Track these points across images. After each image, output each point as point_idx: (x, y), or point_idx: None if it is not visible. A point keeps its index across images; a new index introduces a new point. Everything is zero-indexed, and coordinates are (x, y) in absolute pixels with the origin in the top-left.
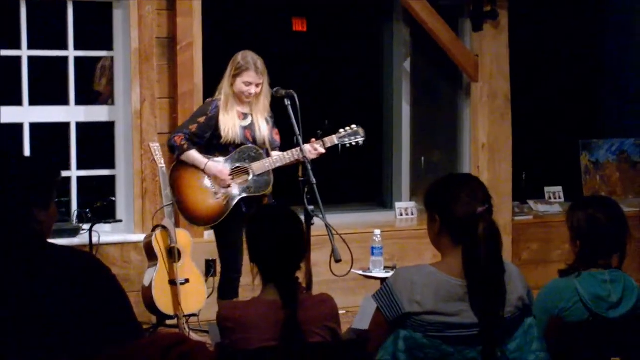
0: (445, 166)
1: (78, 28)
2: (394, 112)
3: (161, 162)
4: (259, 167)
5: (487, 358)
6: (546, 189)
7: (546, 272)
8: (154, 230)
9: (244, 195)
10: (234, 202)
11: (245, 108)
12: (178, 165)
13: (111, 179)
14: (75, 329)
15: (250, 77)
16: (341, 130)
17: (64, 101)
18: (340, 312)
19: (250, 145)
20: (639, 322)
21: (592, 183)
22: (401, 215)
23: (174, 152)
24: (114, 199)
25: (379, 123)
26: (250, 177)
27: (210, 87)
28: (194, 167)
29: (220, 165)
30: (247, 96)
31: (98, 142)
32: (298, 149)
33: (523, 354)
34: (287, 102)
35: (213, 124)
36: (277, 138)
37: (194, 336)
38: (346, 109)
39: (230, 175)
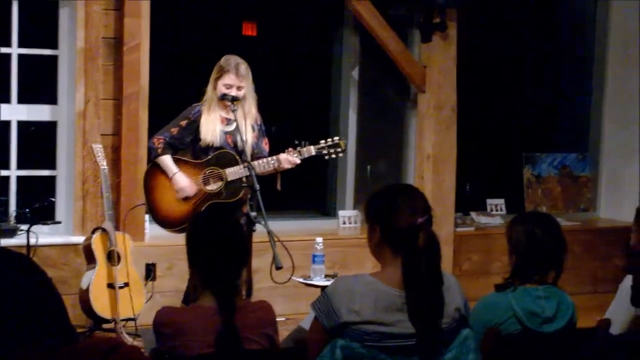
0: (390, 175)
1: (22, 25)
2: (340, 120)
3: (103, 164)
4: (232, 173)
5: None
6: (488, 201)
7: (486, 284)
8: (93, 232)
9: (214, 200)
10: (203, 207)
11: (230, 114)
12: (153, 167)
13: (52, 180)
14: (5, 331)
15: (231, 79)
16: (322, 142)
17: (6, 99)
18: (280, 319)
19: (228, 150)
20: (573, 337)
21: (534, 196)
22: (344, 223)
23: (150, 155)
24: (53, 199)
25: (326, 130)
26: (223, 183)
27: (156, 89)
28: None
29: (185, 181)
30: (220, 99)
31: (39, 141)
32: (274, 158)
33: None
34: (232, 107)
35: (194, 128)
36: (265, 147)
37: (131, 341)
38: (294, 115)
39: (202, 180)
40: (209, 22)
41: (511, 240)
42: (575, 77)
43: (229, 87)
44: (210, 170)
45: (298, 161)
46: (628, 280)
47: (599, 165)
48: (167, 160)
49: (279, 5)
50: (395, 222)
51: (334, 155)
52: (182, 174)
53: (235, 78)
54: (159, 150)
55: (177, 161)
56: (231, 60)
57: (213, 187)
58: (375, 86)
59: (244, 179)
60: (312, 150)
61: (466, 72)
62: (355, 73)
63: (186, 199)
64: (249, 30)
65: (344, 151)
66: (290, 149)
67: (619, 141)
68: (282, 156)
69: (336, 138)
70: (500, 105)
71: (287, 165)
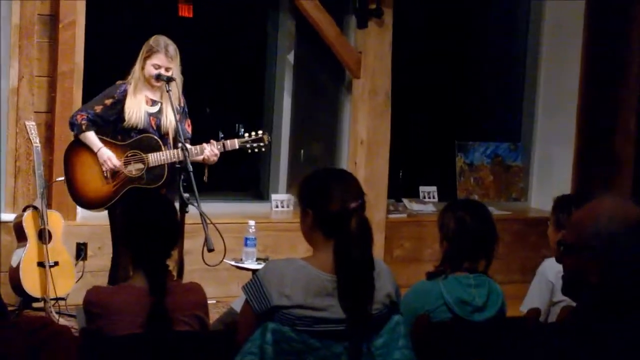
0: (324, 160)
1: None
2: (275, 104)
3: (36, 142)
4: (155, 159)
5: (353, 353)
6: (421, 188)
7: (418, 270)
8: (24, 210)
9: (135, 185)
10: (123, 190)
11: (156, 95)
12: (74, 144)
13: None
14: None
15: (160, 59)
16: (246, 135)
17: None
18: (211, 301)
19: (151, 135)
20: (503, 325)
21: (466, 185)
22: (277, 207)
23: (72, 130)
24: None
25: (260, 113)
26: (145, 167)
27: (91, 67)
28: (90, 148)
29: (110, 154)
30: (152, 75)
31: None
32: (197, 147)
33: (389, 350)
34: (167, 87)
35: (119, 108)
36: (188, 129)
37: (61, 320)
38: (228, 98)
39: (123, 161)
40: (145, 3)
41: (442, 228)
42: (509, 65)
43: (158, 67)
44: (133, 154)
45: (218, 154)
46: (545, 267)
47: (530, 155)
48: (91, 137)
49: None
50: (328, 206)
51: (256, 150)
52: (106, 148)
53: (164, 59)
54: (83, 127)
55: (100, 140)
56: (160, 40)
57: (133, 170)
58: (310, 70)
59: (177, 162)
60: (235, 143)
61: (403, 58)
62: (290, 57)
63: (113, 175)
64: (185, 11)
65: (267, 146)
66: (212, 141)
67: (551, 131)
68: (206, 148)
69: (260, 132)
70: (434, 93)
71: (211, 158)
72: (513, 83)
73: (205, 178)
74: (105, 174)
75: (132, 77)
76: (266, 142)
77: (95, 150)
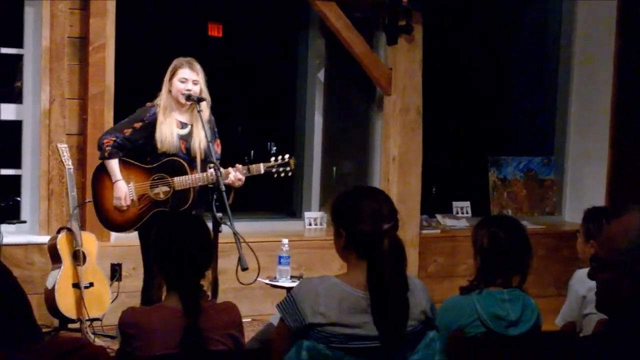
0: (356, 178)
1: None
2: (306, 122)
3: (69, 164)
4: (180, 182)
5: None
6: (454, 203)
7: (452, 286)
8: (58, 232)
9: (160, 208)
10: (150, 213)
11: (185, 117)
12: (101, 167)
13: (17, 179)
14: None
15: (185, 73)
16: (272, 160)
17: None
18: (246, 320)
19: (178, 159)
20: (538, 340)
21: (499, 199)
22: (310, 225)
23: (98, 152)
24: (19, 199)
25: (291, 132)
26: (171, 191)
27: (121, 89)
28: None
29: (124, 191)
30: (184, 93)
31: (5, 140)
32: (222, 171)
33: None
34: (198, 107)
35: (149, 131)
36: (217, 149)
37: (97, 341)
38: (259, 117)
39: (149, 186)
40: (174, 23)
41: (475, 243)
42: (541, 81)
43: (185, 80)
44: (159, 177)
45: (243, 179)
46: (576, 280)
47: (563, 169)
48: (112, 165)
49: (244, 6)
50: (360, 227)
51: (282, 174)
52: (123, 182)
53: (189, 72)
54: (106, 154)
55: (126, 164)
56: (182, 58)
57: (161, 194)
58: (341, 88)
59: (210, 183)
60: (261, 168)
61: (434, 75)
62: (321, 75)
63: (139, 198)
64: (215, 31)
65: (292, 170)
66: (238, 165)
67: (584, 145)
68: (231, 172)
69: (287, 156)
70: (466, 109)
71: (236, 183)
72: (545, 97)
73: (229, 201)
74: (131, 196)
75: (159, 100)
76: (292, 167)
77: (113, 181)
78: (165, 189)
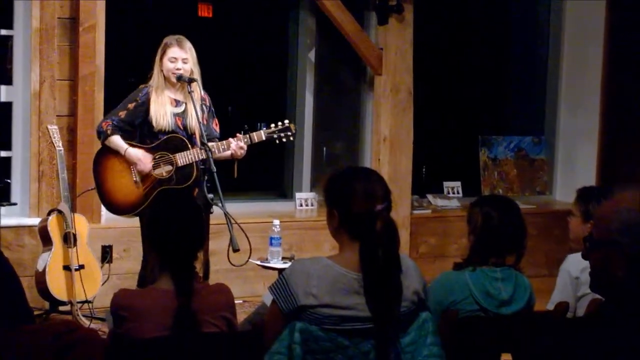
0: (347, 158)
1: None
2: (297, 102)
3: (59, 145)
4: (182, 158)
5: (381, 351)
6: (445, 183)
7: (443, 266)
8: (49, 214)
9: (165, 186)
10: (154, 193)
11: (179, 95)
12: (102, 151)
13: (7, 161)
14: None
15: (174, 52)
16: (272, 125)
17: None
18: (238, 301)
19: (177, 134)
20: (530, 319)
21: (490, 179)
22: (301, 205)
23: (99, 138)
24: (9, 181)
25: (282, 112)
26: (174, 168)
27: (112, 70)
28: (118, 154)
29: (140, 152)
30: (175, 73)
31: None
32: (224, 143)
33: (417, 347)
34: (188, 88)
35: (143, 111)
36: (216, 128)
37: (88, 324)
38: (250, 97)
39: (152, 163)
40: (164, 4)
41: (469, 222)
42: (531, 60)
43: (174, 60)
44: (160, 155)
45: (245, 147)
46: (569, 263)
47: (554, 148)
48: (116, 140)
49: None
50: (353, 207)
51: (284, 140)
52: (132, 148)
53: (179, 50)
54: (109, 131)
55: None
56: (172, 36)
57: (163, 172)
58: (331, 68)
59: (200, 162)
60: (262, 134)
61: (424, 54)
62: (311, 54)
63: (142, 179)
64: (205, 11)
65: (294, 135)
66: (239, 134)
67: (575, 124)
68: (232, 142)
69: (286, 122)
70: (456, 89)
71: (238, 152)
72: (535, 76)
73: (235, 174)
74: (134, 178)
75: (152, 81)
76: (293, 131)
77: (122, 152)
78: (168, 167)
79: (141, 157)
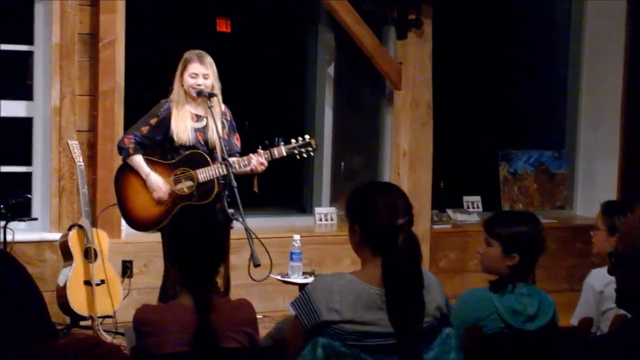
0: (366, 172)
1: None
2: (316, 117)
3: (79, 160)
4: (203, 174)
5: None
6: (465, 198)
7: (463, 281)
8: (70, 229)
9: (186, 202)
10: (175, 209)
11: (199, 110)
12: (124, 167)
13: (27, 176)
14: None
15: (195, 68)
16: (292, 141)
17: None
18: (258, 316)
19: (198, 151)
20: (555, 335)
21: (510, 194)
22: (321, 220)
23: (121, 154)
24: (29, 196)
25: (301, 127)
26: (195, 184)
27: (132, 85)
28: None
29: (160, 182)
30: (195, 88)
31: (15, 138)
32: (245, 158)
33: None
34: (209, 103)
35: (165, 126)
36: (237, 143)
37: (110, 339)
38: (269, 112)
39: (173, 180)
40: (183, 19)
41: (509, 242)
42: (551, 74)
43: (195, 75)
44: (182, 171)
45: (265, 163)
46: (593, 278)
47: (575, 163)
48: (139, 161)
49: (253, 1)
50: (374, 222)
51: (305, 155)
52: (155, 174)
53: (199, 66)
54: (130, 150)
55: (147, 161)
56: (193, 51)
57: (184, 188)
58: (350, 83)
59: (221, 177)
60: (282, 150)
61: (443, 69)
62: (330, 69)
63: (159, 200)
64: (223, 26)
65: (315, 150)
66: (260, 149)
67: (595, 138)
68: (253, 158)
69: (307, 137)
70: (476, 103)
71: (259, 167)
72: (556, 91)
73: (255, 188)
74: (160, 196)
75: (173, 96)
76: (314, 146)
77: (144, 176)
78: (189, 183)
79: (161, 186)
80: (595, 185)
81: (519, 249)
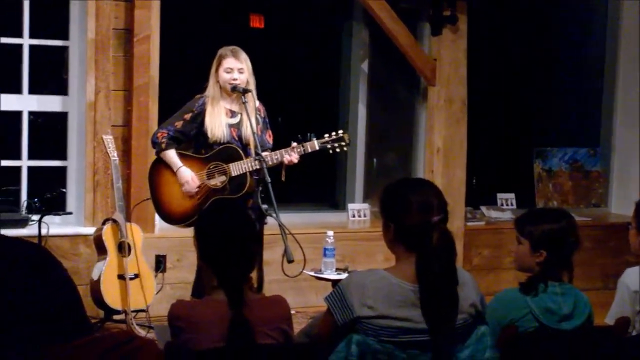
0: (400, 169)
1: (34, 16)
2: (349, 113)
3: (114, 155)
4: (236, 168)
5: None
6: (499, 195)
7: (497, 279)
8: (104, 223)
9: (219, 196)
10: (207, 203)
11: (234, 106)
12: (157, 162)
13: (62, 171)
14: (24, 322)
15: (230, 62)
16: (325, 136)
17: (17, 90)
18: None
19: (231, 145)
20: (592, 334)
21: (545, 191)
22: (354, 216)
23: (154, 148)
24: (64, 190)
25: (334, 123)
26: (227, 178)
27: (166, 80)
28: None
29: (189, 174)
30: (231, 83)
31: (51, 132)
32: (277, 153)
33: None
34: (243, 99)
35: (199, 121)
36: (269, 139)
37: (143, 333)
38: (302, 108)
39: (206, 175)
40: (216, 15)
41: (540, 237)
42: (586, 70)
43: (230, 70)
44: (214, 165)
45: (296, 159)
46: (628, 277)
47: (610, 160)
48: (171, 155)
49: None
50: (409, 219)
51: (338, 150)
52: (186, 168)
53: (234, 61)
54: (163, 145)
55: (180, 156)
56: (227, 47)
57: (217, 182)
58: (384, 79)
59: (254, 172)
60: (315, 144)
61: (478, 65)
62: (364, 66)
63: (188, 193)
64: (257, 22)
65: (348, 145)
66: (293, 143)
67: (631, 136)
68: (285, 152)
69: (340, 132)
70: (510, 99)
71: (294, 161)
72: (591, 87)
73: (282, 177)
74: (189, 189)
75: (208, 92)
76: (347, 141)
77: (175, 169)
78: (222, 177)
79: (189, 180)
80: (630, 182)
81: (546, 246)
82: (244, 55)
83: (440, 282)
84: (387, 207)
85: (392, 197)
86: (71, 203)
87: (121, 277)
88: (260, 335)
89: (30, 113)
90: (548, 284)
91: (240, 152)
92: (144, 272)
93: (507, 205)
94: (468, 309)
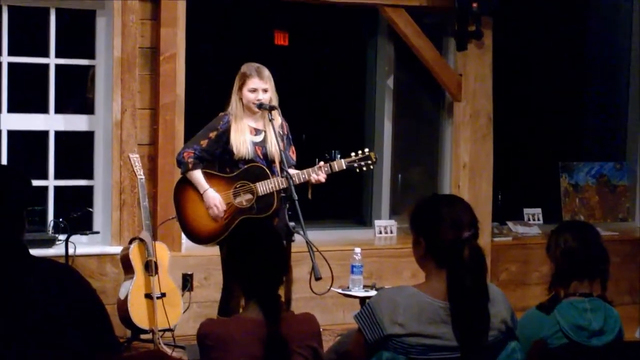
0: (426, 185)
1: (60, 35)
2: (375, 129)
3: (140, 174)
4: (263, 188)
5: None
6: (525, 210)
7: (524, 294)
8: (131, 242)
9: (246, 215)
10: (235, 223)
11: (258, 123)
12: (183, 180)
13: (89, 190)
14: (54, 342)
15: (254, 83)
16: (352, 155)
17: (44, 109)
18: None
19: (257, 163)
20: (622, 350)
21: (571, 206)
22: (380, 233)
23: (180, 167)
24: (91, 209)
25: (360, 139)
26: (254, 197)
27: (192, 98)
28: None
29: (217, 199)
30: (255, 103)
31: (76, 151)
32: (304, 172)
33: None
34: (269, 116)
35: (224, 140)
36: (292, 156)
37: (170, 352)
38: (327, 125)
39: (232, 194)
40: (241, 32)
41: (548, 250)
42: (613, 84)
43: (254, 90)
44: (241, 185)
45: (324, 178)
46: None
47: (637, 174)
48: (198, 176)
49: (311, 14)
50: (440, 235)
51: (365, 169)
52: (213, 190)
53: (259, 81)
54: (190, 165)
55: (207, 175)
56: (251, 65)
57: (243, 201)
58: (410, 95)
59: (281, 190)
60: (342, 164)
61: (504, 80)
62: (390, 81)
63: (215, 218)
64: (281, 39)
65: (374, 163)
66: (320, 162)
67: None
68: (312, 172)
69: (366, 150)
70: (536, 114)
71: (321, 180)
72: (617, 101)
73: (309, 195)
74: (215, 213)
75: (231, 109)
76: (374, 160)
77: (202, 191)
78: (249, 196)
79: (217, 204)
80: None
81: (556, 258)
82: (267, 73)
83: (472, 299)
84: (418, 223)
85: (423, 213)
86: (98, 222)
87: (148, 296)
88: (292, 353)
89: (56, 132)
90: (571, 300)
91: (267, 170)
92: (170, 291)
93: (533, 220)
94: (499, 325)
